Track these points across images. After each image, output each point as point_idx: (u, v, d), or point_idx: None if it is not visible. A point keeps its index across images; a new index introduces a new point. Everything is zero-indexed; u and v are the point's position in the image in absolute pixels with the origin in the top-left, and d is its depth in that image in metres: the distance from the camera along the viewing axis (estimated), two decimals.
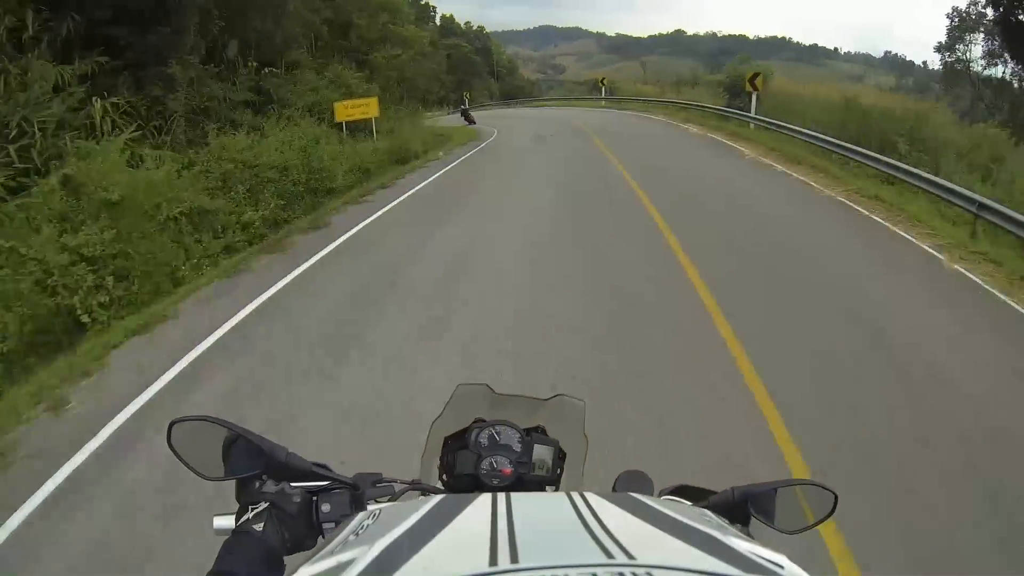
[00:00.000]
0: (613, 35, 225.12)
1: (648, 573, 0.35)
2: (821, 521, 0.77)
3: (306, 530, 0.74)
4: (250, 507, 0.72)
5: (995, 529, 2.53)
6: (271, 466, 0.73)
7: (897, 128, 12.24)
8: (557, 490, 0.93)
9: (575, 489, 0.75)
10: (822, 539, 2.39)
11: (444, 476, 0.94)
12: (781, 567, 0.41)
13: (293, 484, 0.75)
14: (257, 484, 0.74)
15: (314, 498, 0.76)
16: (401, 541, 0.44)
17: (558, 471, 0.94)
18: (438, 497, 0.53)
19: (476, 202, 8.97)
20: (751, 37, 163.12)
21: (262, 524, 0.70)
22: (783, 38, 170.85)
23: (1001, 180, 10.46)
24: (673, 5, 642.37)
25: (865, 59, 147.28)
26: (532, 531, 0.44)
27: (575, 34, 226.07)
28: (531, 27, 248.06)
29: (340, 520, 0.74)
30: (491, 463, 0.88)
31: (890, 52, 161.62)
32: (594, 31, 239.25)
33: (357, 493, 0.78)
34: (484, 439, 0.90)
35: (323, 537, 0.75)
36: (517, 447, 0.90)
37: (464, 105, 28.81)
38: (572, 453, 0.96)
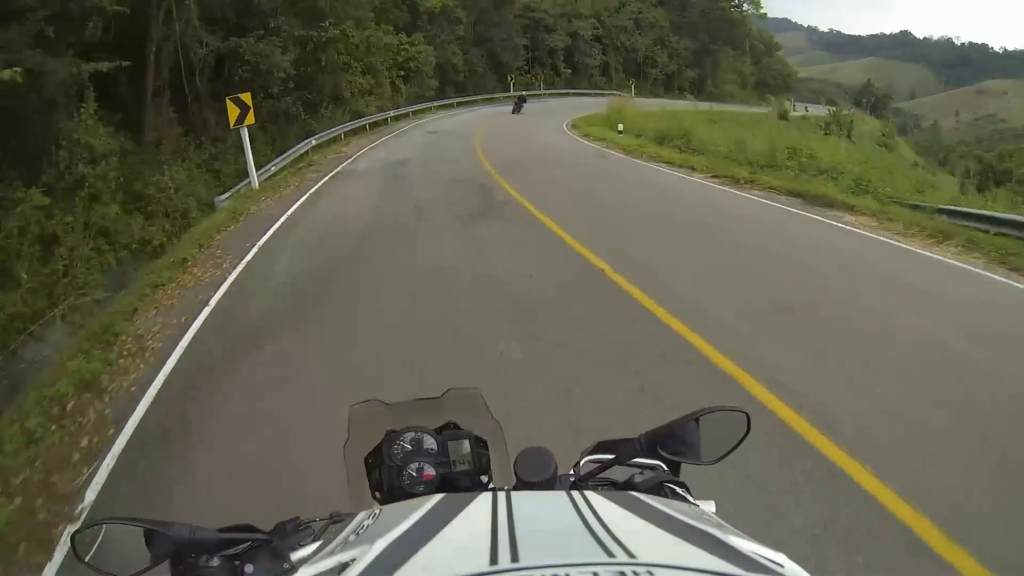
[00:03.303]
0: (826, 30, 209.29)
1: (649, 572, 0.36)
2: (740, 442, 0.80)
3: None
4: None
5: None
6: (180, 547, 0.72)
7: None
8: (491, 479, 0.95)
9: (506, 471, 0.86)
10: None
11: (377, 495, 0.95)
12: (781, 566, 0.42)
13: (217, 555, 0.75)
14: (185, 564, 0.74)
15: (236, 562, 0.76)
16: (402, 540, 0.44)
17: (484, 458, 0.96)
18: (438, 497, 0.55)
19: None
20: (995, 48, 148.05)
21: None
22: None
23: None
24: (900, 3, 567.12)
25: None
26: (533, 530, 0.45)
27: (783, 25, 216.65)
28: None
29: None
30: (412, 471, 0.90)
31: None
32: (805, 24, 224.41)
33: (274, 546, 0.79)
34: (400, 449, 0.93)
35: None
36: (433, 448, 0.93)
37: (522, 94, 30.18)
38: (491, 438, 0.99)
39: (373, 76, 23.69)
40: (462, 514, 0.50)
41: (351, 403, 1.01)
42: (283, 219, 9.08)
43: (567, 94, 41.16)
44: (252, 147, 12.03)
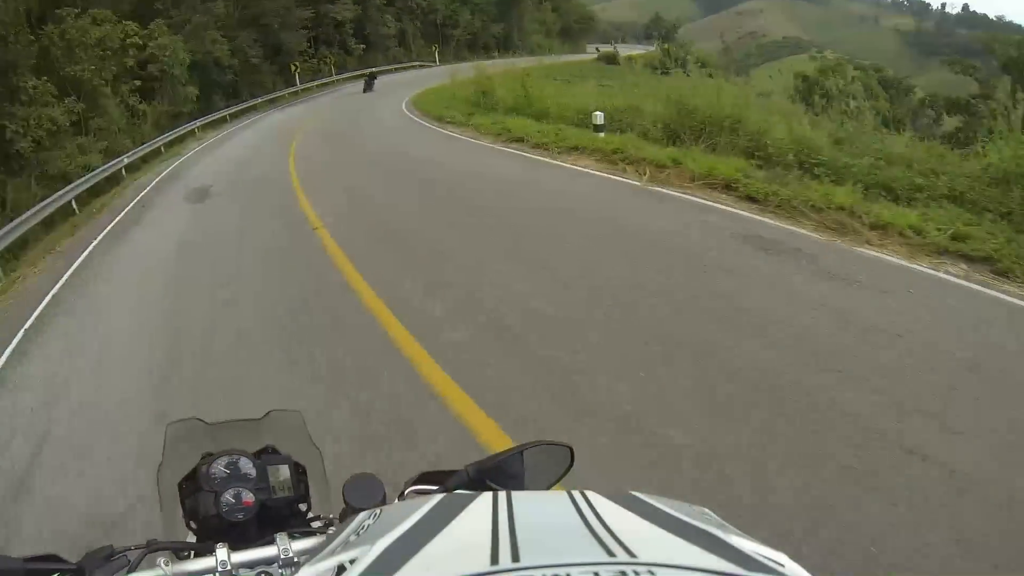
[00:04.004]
0: None
1: (650, 571, 0.36)
2: (564, 473, 0.84)
3: None
4: None
5: None
6: None
7: None
8: (310, 507, 0.94)
9: (323, 497, 0.91)
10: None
11: (191, 524, 0.90)
12: (782, 565, 0.42)
13: None
14: None
15: None
16: (402, 541, 0.44)
17: (303, 485, 0.94)
18: (439, 496, 0.54)
19: None
20: None
21: None
22: None
23: None
24: None
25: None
26: (533, 530, 0.45)
27: None
28: None
29: None
30: (231, 497, 0.86)
31: None
32: None
33: None
34: (218, 474, 0.88)
35: None
36: (252, 474, 0.89)
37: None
38: (310, 465, 0.97)
39: (86, 97, 15.62)
40: (462, 514, 0.49)
41: (168, 422, 0.99)
42: None
43: (363, 74, 35.56)
44: None
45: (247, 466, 0.89)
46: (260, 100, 26.09)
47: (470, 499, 0.52)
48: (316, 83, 31.21)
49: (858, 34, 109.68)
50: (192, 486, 0.90)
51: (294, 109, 24.55)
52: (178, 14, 22.48)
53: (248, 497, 0.87)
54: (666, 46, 47.01)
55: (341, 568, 0.43)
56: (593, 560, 0.38)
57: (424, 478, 0.87)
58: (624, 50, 51.16)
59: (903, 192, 5.73)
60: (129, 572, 0.76)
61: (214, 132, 21.11)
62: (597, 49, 54.04)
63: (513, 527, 0.45)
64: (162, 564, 0.75)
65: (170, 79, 20.60)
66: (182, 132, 19.73)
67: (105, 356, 4.85)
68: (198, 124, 20.85)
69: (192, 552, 0.84)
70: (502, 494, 0.52)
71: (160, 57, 19.96)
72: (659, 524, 0.46)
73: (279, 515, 0.89)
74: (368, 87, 25.54)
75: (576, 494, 0.51)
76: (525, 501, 0.51)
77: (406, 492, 0.87)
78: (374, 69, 29.65)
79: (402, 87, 24.02)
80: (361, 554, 0.43)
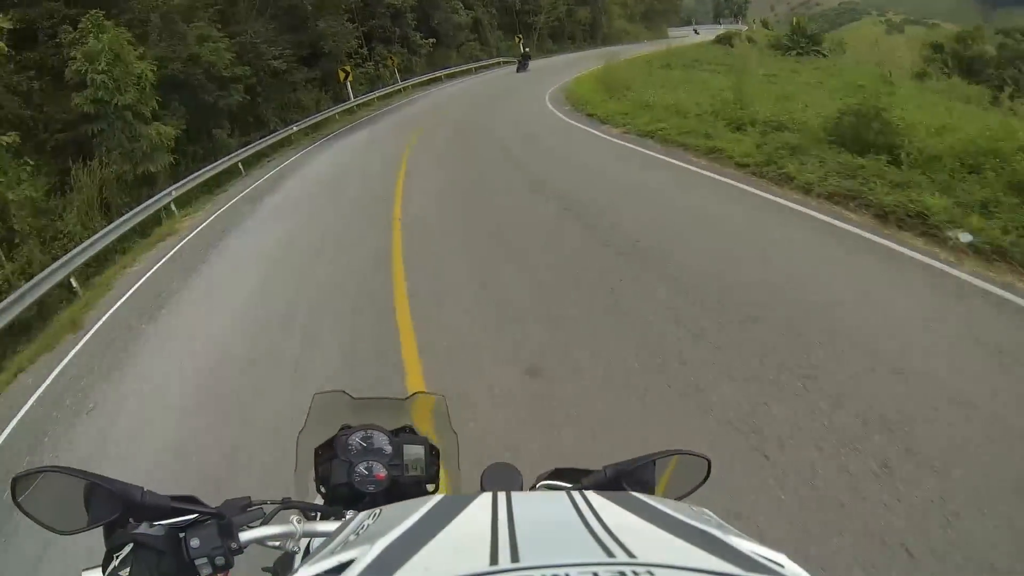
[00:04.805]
0: None
1: (649, 572, 0.35)
2: (698, 486, 0.80)
3: (178, 569, 0.70)
4: (115, 554, 0.69)
5: None
6: (128, 508, 0.70)
7: None
8: (437, 488, 0.94)
9: (455, 482, 0.96)
10: None
11: (321, 488, 0.93)
12: (782, 566, 0.41)
13: (157, 523, 0.71)
14: (120, 529, 0.70)
15: (181, 534, 0.72)
16: (402, 540, 0.44)
17: (434, 468, 0.94)
18: (438, 497, 0.53)
19: None
20: None
21: (128, 569, 0.67)
22: None
23: None
24: None
25: None
26: (532, 530, 0.44)
27: None
28: None
29: (211, 554, 0.71)
30: (364, 469, 0.89)
31: None
32: None
33: (224, 523, 0.74)
34: (354, 446, 0.91)
35: (199, 575, 0.71)
36: (388, 450, 0.91)
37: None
38: (444, 448, 0.97)
39: None
40: (462, 514, 0.49)
41: (316, 391, 1.01)
42: None
43: (438, 77, 25.50)
44: None
45: (383, 442, 0.92)
46: (295, 128, 16.09)
47: (469, 499, 0.52)
48: (376, 94, 21.27)
49: None
50: (328, 454, 0.92)
51: (353, 140, 14.48)
52: (139, 4, 12.54)
53: (381, 471, 0.89)
54: (796, 20, 36.76)
55: (341, 567, 0.42)
56: (592, 560, 0.37)
57: (557, 474, 0.84)
58: (703, 31, 46.15)
59: None
60: (263, 523, 0.78)
61: (210, 202, 11.15)
62: (695, 31, 45.17)
63: (512, 527, 0.44)
64: (295, 521, 0.78)
65: (114, 119, 10.62)
66: (142, 215, 9.76)
67: None
68: (173, 195, 10.75)
69: (319, 514, 0.86)
70: (501, 494, 0.52)
71: (92, 76, 9.99)
72: (658, 524, 0.46)
73: (407, 493, 0.89)
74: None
75: (575, 494, 0.51)
76: (524, 501, 0.51)
77: (537, 485, 0.85)
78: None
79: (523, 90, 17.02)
80: (361, 554, 0.42)
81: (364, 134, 14.98)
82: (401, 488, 0.90)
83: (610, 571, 0.35)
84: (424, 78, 24.64)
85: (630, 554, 0.38)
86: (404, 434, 0.95)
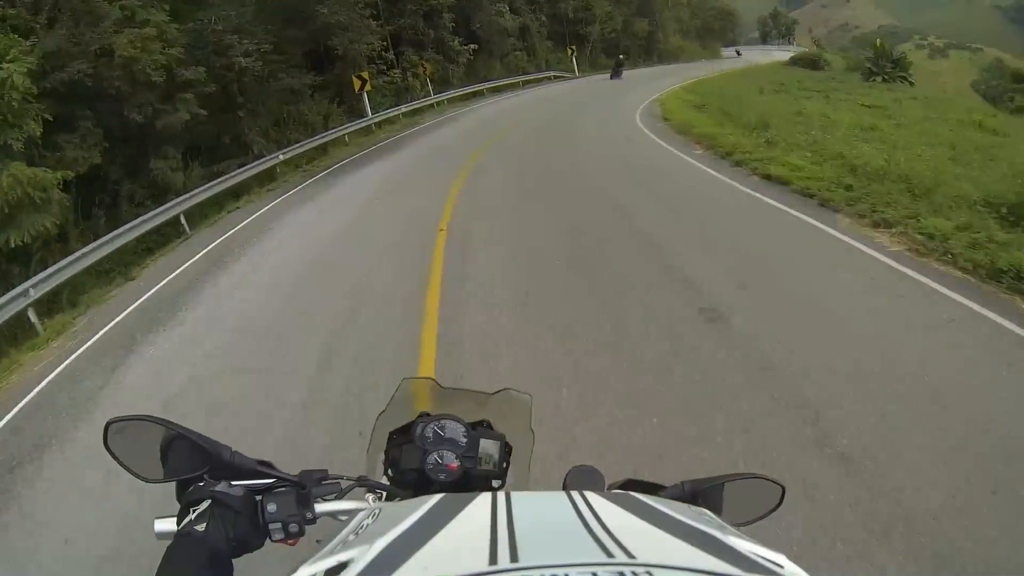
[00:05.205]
0: None
1: (648, 572, 0.35)
2: (768, 513, 0.77)
3: (252, 530, 0.69)
4: (191, 508, 0.68)
5: None
6: (215, 466, 0.69)
7: None
8: (503, 484, 0.93)
9: (523, 483, 0.92)
10: None
11: (389, 471, 0.92)
12: (781, 567, 0.41)
13: (235, 483, 0.70)
14: (198, 485, 0.69)
15: (258, 497, 0.71)
16: (401, 540, 0.43)
17: (505, 465, 0.92)
18: (438, 496, 0.53)
19: None
20: None
21: (204, 524, 0.66)
22: None
23: None
24: None
25: None
26: (532, 530, 0.44)
27: None
28: None
29: (286, 520, 0.71)
30: (437, 458, 0.88)
31: None
32: None
33: (303, 492, 0.73)
34: (429, 433, 0.90)
35: (271, 539, 0.71)
36: (463, 441, 0.90)
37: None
38: (518, 448, 0.96)
39: None
40: (461, 514, 0.49)
41: (405, 376, 1.03)
42: None
43: (481, 91, 20.92)
44: None
45: (459, 433, 0.90)
46: (281, 157, 11.44)
47: (469, 499, 0.51)
48: (402, 109, 16.69)
49: (951, 14, 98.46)
50: (402, 438, 0.91)
51: (363, 178, 9.73)
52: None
53: (453, 462, 0.87)
54: (879, 43, 32.87)
55: (340, 567, 0.41)
56: (591, 560, 0.37)
57: (630, 484, 0.81)
58: (747, 52, 44.16)
59: None
60: (338, 498, 0.78)
61: (104, 300, 6.45)
62: (737, 52, 40.65)
63: (512, 527, 0.44)
64: (370, 500, 0.80)
65: None
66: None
67: None
68: (32, 294, 5.95)
69: (385, 495, 0.85)
70: (501, 494, 0.51)
71: None
72: (657, 524, 0.46)
73: (476, 486, 0.88)
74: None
75: (575, 494, 0.51)
76: (524, 502, 0.50)
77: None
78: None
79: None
80: (360, 553, 0.42)
81: (380, 170, 10.28)
82: (470, 480, 0.88)
83: (609, 571, 0.35)
84: (462, 91, 20.05)
85: (629, 554, 0.38)
86: (481, 428, 0.92)
